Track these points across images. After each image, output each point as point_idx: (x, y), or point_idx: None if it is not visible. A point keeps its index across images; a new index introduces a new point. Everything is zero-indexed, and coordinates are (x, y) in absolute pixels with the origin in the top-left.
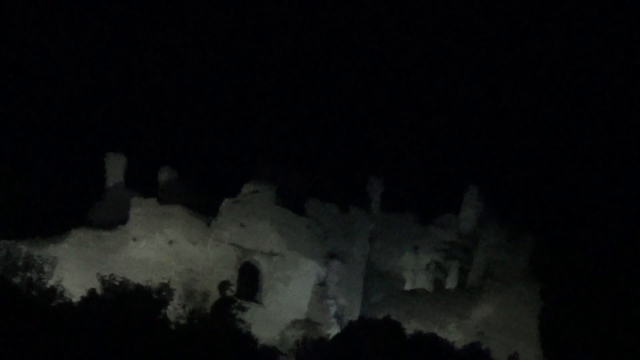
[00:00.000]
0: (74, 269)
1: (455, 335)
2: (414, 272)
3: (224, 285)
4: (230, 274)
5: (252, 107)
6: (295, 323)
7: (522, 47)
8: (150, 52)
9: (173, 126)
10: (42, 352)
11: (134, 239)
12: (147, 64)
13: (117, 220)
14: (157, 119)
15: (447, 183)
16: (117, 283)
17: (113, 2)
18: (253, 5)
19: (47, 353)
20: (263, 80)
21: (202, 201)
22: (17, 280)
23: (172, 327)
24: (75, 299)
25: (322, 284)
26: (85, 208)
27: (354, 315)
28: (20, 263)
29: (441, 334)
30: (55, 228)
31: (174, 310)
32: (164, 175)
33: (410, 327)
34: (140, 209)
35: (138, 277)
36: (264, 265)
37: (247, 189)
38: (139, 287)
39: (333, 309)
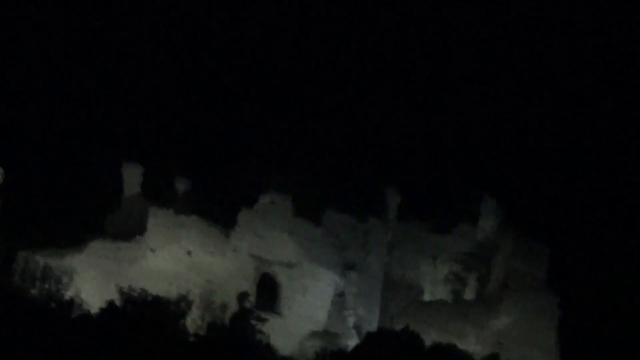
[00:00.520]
0: (91, 280)
1: (474, 345)
2: (433, 282)
3: (242, 296)
4: (249, 285)
5: (268, 117)
6: (313, 334)
7: (545, 56)
8: (169, 61)
9: (189, 136)
10: None
11: (152, 250)
12: (165, 76)
13: (134, 230)
14: (173, 129)
15: (465, 193)
16: (135, 294)
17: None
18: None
19: None
20: (279, 90)
21: (219, 212)
22: (35, 291)
23: (191, 338)
24: (94, 310)
25: (340, 294)
26: (102, 218)
27: (373, 326)
28: (38, 274)
29: (460, 345)
30: (72, 239)
31: (193, 322)
32: (181, 185)
33: (429, 338)
34: (158, 220)
35: (156, 288)
36: (282, 276)
37: (264, 199)
38: (157, 299)
39: (351, 320)
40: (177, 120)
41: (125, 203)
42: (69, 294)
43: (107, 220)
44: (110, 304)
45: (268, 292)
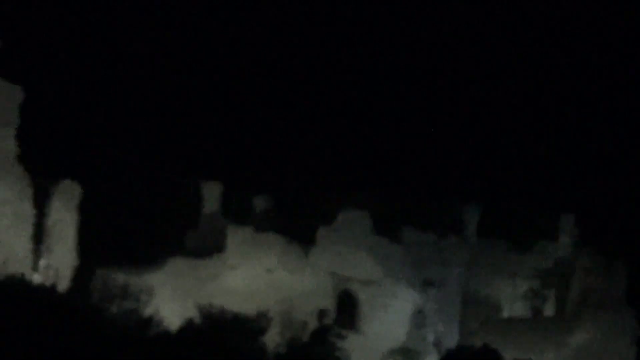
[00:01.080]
0: (170, 298)
1: None
2: (511, 299)
3: (321, 314)
4: (328, 302)
5: (346, 135)
6: (393, 351)
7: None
8: (249, 82)
9: (269, 154)
10: None
11: (231, 268)
12: (245, 96)
13: (213, 248)
14: (253, 147)
15: (543, 210)
16: (214, 312)
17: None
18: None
19: None
20: (357, 109)
21: (299, 229)
22: (113, 309)
23: (271, 356)
24: (173, 328)
25: (419, 311)
26: (181, 236)
27: (452, 343)
28: (116, 292)
29: None
30: (151, 257)
31: (272, 339)
32: (260, 203)
33: (508, 355)
34: (237, 238)
35: (235, 306)
36: (361, 293)
37: (343, 216)
38: (236, 316)
39: (431, 337)
40: (256, 139)
41: (204, 221)
42: (147, 311)
43: (186, 238)
44: (189, 321)
45: (347, 309)
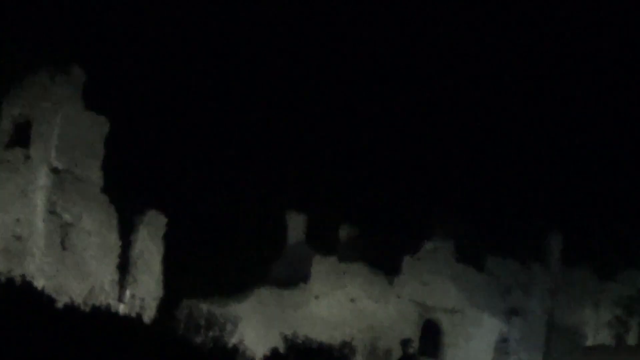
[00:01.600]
0: (255, 327)
1: None
2: (595, 327)
3: (405, 342)
4: (412, 331)
5: (431, 164)
6: None
7: None
8: (336, 109)
9: (353, 183)
10: None
11: (316, 297)
12: (328, 127)
13: (298, 278)
14: (336, 177)
15: (627, 238)
16: (299, 341)
17: None
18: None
19: None
20: (441, 138)
21: (383, 258)
22: (199, 339)
23: None
24: (258, 357)
25: (504, 340)
26: (266, 266)
27: None
28: (202, 322)
29: None
30: (236, 287)
31: None
32: (344, 232)
33: None
34: (322, 267)
35: (320, 335)
36: (445, 322)
37: (427, 246)
38: (320, 345)
39: None
40: (339, 169)
41: (289, 251)
42: (232, 341)
43: (271, 267)
44: (274, 350)
45: (431, 338)
